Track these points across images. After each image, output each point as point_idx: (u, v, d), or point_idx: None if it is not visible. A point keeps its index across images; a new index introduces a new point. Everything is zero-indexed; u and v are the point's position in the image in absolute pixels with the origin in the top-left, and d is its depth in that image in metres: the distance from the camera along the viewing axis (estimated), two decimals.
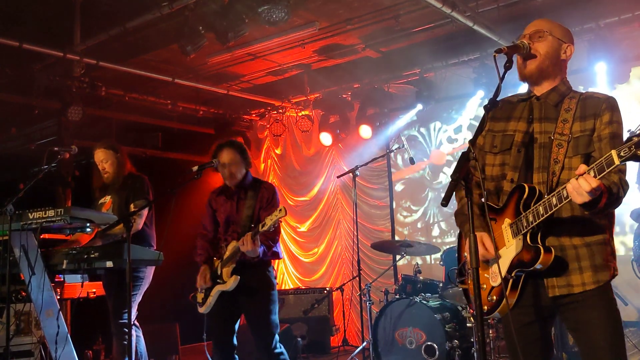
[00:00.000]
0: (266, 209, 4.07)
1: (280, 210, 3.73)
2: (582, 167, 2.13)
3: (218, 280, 4.03)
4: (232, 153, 4.17)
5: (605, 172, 2.09)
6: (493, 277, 2.49)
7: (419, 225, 7.99)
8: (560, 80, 2.55)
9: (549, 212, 2.28)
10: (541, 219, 2.31)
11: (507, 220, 2.45)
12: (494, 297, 2.47)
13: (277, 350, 4.03)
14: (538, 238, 2.36)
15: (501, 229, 2.48)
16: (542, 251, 2.31)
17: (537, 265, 2.32)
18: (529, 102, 2.59)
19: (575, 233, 2.38)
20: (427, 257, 7.64)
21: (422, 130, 8.03)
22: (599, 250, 2.38)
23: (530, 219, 2.34)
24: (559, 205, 2.26)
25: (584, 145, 2.39)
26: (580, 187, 2.11)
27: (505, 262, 2.43)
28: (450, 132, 7.77)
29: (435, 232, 7.84)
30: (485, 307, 2.49)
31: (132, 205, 4.40)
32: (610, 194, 2.21)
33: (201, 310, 4.13)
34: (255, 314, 4.04)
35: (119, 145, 4.71)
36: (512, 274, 2.39)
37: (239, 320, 4.17)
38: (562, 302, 2.39)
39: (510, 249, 2.42)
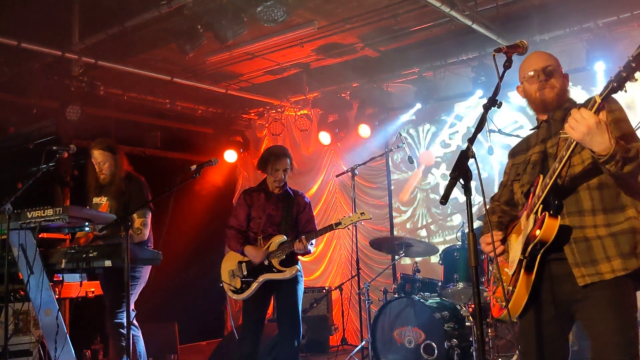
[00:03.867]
0: (304, 212, 4.63)
1: (363, 213, 4.42)
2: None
3: (273, 270, 4.40)
4: (287, 161, 4.56)
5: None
6: (511, 265, 2.55)
7: (408, 225, 7.99)
8: (566, 100, 2.66)
9: (553, 177, 2.36)
10: (547, 187, 2.38)
11: (525, 213, 2.54)
12: (510, 288, 2.51)
13: (297, 346, 4.41)
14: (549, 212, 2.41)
15: (520, 223, 2.58)
16: (546, 216, 2.35)
17: (541, 235, 2.34)
18: (540, 128, 2.70)
19: (599, 223, 2.41)
20: (426, 256, 7.64)
21: (412, 131, 8.03)
22: (625, 239, 2.39)
23: (538, 191, 2.43)
24: (558, 168, 2.34)
25: (614, 129, 2.41)
26: (579, 113, 2.18)
27: (520, 246, 2.50)
28: (444, 136, 7.77)
29: (424, 232, 7.85)
30: (503, 303, 2.52)
31: (135, 217, 4.37)
32: (627, 150, 2.22)
33: (241, 297, 4.46)
34: (288, 301, 4.47)
35: (117, 146, 4.67)
36: (526, 254, 2.44)
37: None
38: (592, 288, 2.38)
39: (525, 230, 2.49)
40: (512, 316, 2.49)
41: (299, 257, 4.59)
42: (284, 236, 4.46)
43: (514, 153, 2.85)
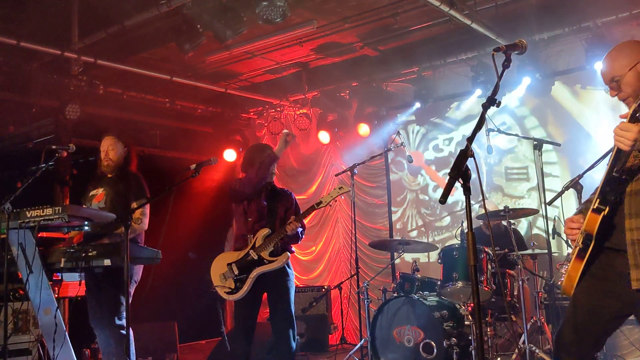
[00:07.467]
0: (292, 209, 4.61)
1: (341, 187, 4.36)
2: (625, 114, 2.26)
3: (265, 262, 4.35)
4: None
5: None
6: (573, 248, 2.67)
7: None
8: None
9: (606, 171, 2.46)
10: (602, 181, 2.48)
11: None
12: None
13: (293, 343, 4.35)
14: (605, 208, 2.47)
15: None
16: (589, 211, 2.46)
17: (584, 227, 2.48)
18: None
19: None
20: (425, 255, 7.65)
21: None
22: None
23: (599, 187, 2.50)
24: (609, 162, 2.43)
25: None
26: (615, 130, 2.25)
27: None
28: (436, 138, 7.79)
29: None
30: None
31: (136, 206, 4.36)
32: None
33: (237, 296, 4.38)
34: (281, 299, 4.41)
35: (130, 142, 4.68)
36: (579, 242, 2.54)
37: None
38: None
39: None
40: (565, 294, 2.62)
41: (292, 246, 4.61)
42: (268, 229, 4.43)
43: None
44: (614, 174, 2.44)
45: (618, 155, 2.41)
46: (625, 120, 2.24)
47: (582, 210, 2.72)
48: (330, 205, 4.46)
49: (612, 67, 2.58)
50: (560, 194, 4.71)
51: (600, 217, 2.44)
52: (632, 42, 2.62)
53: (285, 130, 4.59)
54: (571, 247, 2.72)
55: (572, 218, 2.68)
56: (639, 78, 2.53)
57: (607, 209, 2.45)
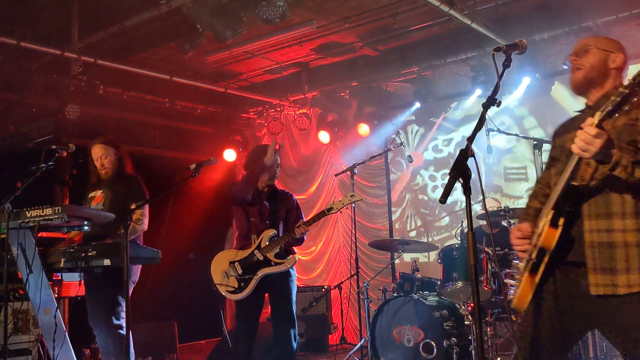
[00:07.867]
0: (293, 210, 4.65)
1: (353, 195, 4.43)
2: (588, 120, 2.17)
3: (272, 263, 4.33)
4: (278, 157, 4.58)
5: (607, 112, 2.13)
6: (523, 260, 2.53)
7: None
8: (612, 86, 2.52)
9: (563, 181, 2.34)
10: (557, 191, 2.36)
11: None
12: (520, 280, 2.50)
13: (294, 344, 4.36)
14: (560, 220, 2.37)
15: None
16: (546, 225, 2.33)
17: (541, 243, 2.34)
18: (584, 112, 2.59)
19: (630, 227, 2.31)
20: (425, 255, 7.65)
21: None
22: None
23: (553, 198, 2.38)
24: (567, 172, 2.31)
25: (628, 134, 2.31)
26: (580, 135, 2.16)
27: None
28: (435, 139, 7.79)
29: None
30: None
31: (134, 207, 4.35)
32: (636, 152, 2.16)
33: (240, 295, 4.35)
34: (283, 300, 4.43)
35: (118, 142, 4.66)
36: (532, 256, 2.41)
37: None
38: (604, 302, 2.32)
39: (537, 232, 2.47)
40: (517, 309, 2.48)
41: (294, 248, 4.62)
42: (274, 230, 4.43)
43: (556, 133, 2.70)
44: (572, 183, 2.36)
45: (578, 164, 2.33)
46: (588, 127, 2.16)
47: (527, 218, 2.63)
48: (341, 212, 4.47)
49: (592, 39, 2.58)
50: None
51: (559, 230, 2.34)
52: (620, 42, 2.61)
53: (274, 140, 4.59)
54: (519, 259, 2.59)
55: (520, 227, 2.55)
56: (601, 63, 2.51)
57: (563, 219, 2.36)
